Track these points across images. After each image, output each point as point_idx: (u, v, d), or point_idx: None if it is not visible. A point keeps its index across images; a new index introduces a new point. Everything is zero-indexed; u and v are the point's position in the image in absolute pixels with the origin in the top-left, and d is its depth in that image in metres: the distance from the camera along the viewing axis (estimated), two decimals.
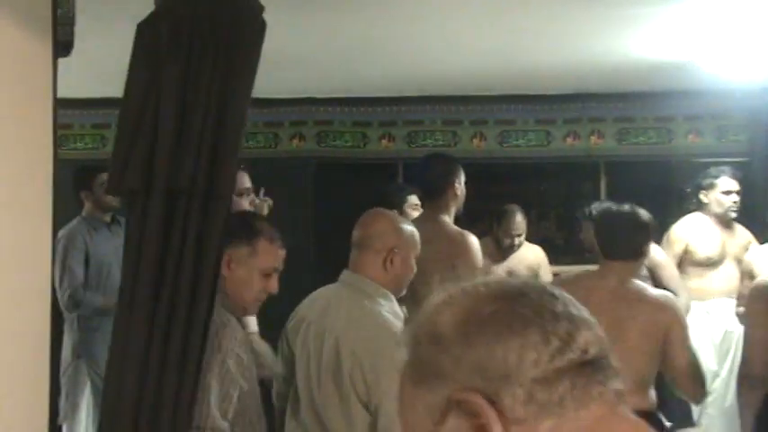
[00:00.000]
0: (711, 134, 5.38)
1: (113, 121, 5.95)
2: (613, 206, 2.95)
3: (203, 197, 1.82)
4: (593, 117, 5.44)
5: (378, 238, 2.27)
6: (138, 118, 1.83)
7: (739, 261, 4.08)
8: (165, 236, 1.80)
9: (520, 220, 4.44)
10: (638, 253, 2.79)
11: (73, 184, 4.04)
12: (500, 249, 4.47)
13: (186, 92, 1.82)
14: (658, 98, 5.28)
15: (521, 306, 0.70)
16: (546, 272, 4.59)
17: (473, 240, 3.29)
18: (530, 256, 4.53)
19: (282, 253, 2.13)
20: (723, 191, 4.24)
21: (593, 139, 5.45)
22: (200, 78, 1.82)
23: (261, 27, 1.89)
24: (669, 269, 4.03)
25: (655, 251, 4.08)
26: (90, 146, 5.74)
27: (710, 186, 4.25)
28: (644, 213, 2.83)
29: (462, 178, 3.47)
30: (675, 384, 2.80)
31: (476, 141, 5.52)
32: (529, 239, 4.66)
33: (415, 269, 2.34)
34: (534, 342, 0.68)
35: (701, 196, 4.27)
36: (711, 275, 4.22)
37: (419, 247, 2.37)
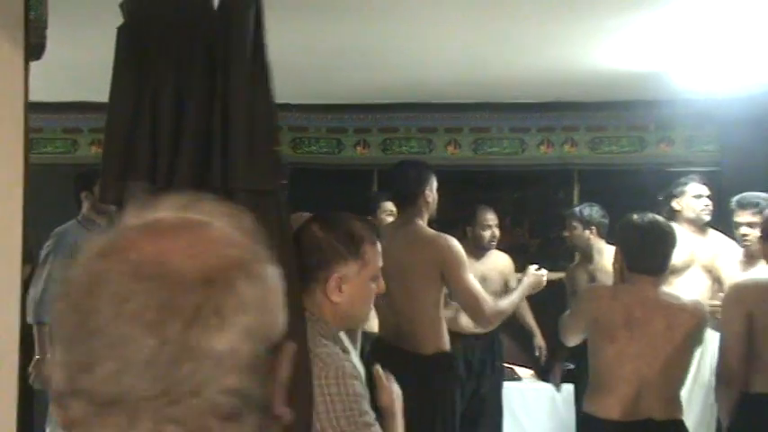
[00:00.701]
0: (682, 143, 5.45)
1: (85, 126, 5.93)
2: (636, 218, 2.88)
3: (242, 194, 1.73)
4: (567, 126, 5.49)
5: None
6: (131, 124, 1.80)
7: (709, 269, 4.13)
8: None
9: (492, 215, 4.47)
10: (666, 266, 2.84)
11: (74, 186, 4.02)
12: (473, 255, 4.49)
13: (186, 95, 1.79)
14: (631, 108, 5.34)
15: None
16: (514, 279, 4.63)
17: (456, 242, 3.31)
18: (500, 263, 4.56)
19: (380, 246, 1.89)
20: (694, 195, 4.30)
21: (567, 147, 5.50)
22: (194, 80, 1.80)
23: (255, 22, 1.86)
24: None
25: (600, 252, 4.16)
26: (60, 150, 5.67)
27: (681, 193, 4.32)
28: (667, 224, 2.89)
29: (434, 184, 3.48)
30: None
31: (450, 149, 5.54)
32: (503, 246, 4.69)
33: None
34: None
35: (674, 204, 4.33)
36: (676, 282, 4.27)
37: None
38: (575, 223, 4.66)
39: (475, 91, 5.06)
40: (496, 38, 3.69)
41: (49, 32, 1.93)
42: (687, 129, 5.40)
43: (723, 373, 2.92)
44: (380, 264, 1.87)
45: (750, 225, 3.77)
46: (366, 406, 1.74)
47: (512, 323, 4.44)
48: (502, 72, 4.43)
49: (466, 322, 3.86)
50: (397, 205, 3.66)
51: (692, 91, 4.51)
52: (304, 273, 1.79)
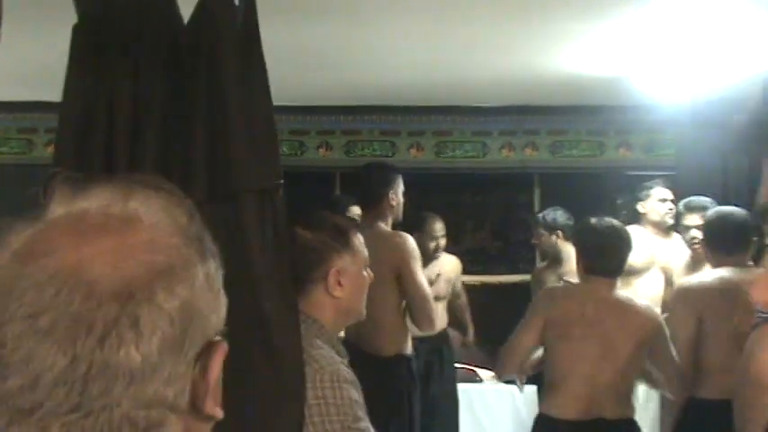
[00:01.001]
0: (641, 148, 5.54)
1: (41, 126, 5.81)
2: (595, 222, 2.95)
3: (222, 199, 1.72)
4: (528, 129, 5.53)
5: None
6: (86, 126, 1.77)
7: (667, 271, 4.20)
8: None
9: (441, 225, 4.48)
10: (621, 269, 2.90)
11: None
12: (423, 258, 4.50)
13: (147, 97, 1.77)
14: (591, 112, 5.41)
15: None
16: (460, 281, 4.66)
17: (411, 240, 3.33)
18: (448, 266, 4.57)
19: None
20: (659, 199, 4.39)
21: (528, 151, 5.55)
22: (156, 83, 1.77)
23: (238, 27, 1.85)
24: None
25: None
26: (16, 150, 5.55)
27: (647, 197, 4.41)
28: (624, 228, 2.96)
29: (401, 188, 3.49)
30: (660, 382, 2.90)
31: (413, 152, 5.55)
32: (464, 249, 4.71)
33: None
34: None
35: (639, 207, 4.42)
36: (636, 283, 4.34)
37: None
38: (541, 230, 4.69)
39: (438, 94, 5.07)
40: (459, 41, 3.71)
41: (3, 31, 1.88)
42: (645, 134, 5.48)
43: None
44: (367, 252, 1.90)
45: (699, 228, 3.84)
46: (361, 412, 1.72)
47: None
48: (465, 75, 4.45)
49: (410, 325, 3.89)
50: (362, 207, 3.66)
51: (651, 97, 4.58)
52: (298, 276, 1.77)
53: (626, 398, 2.82)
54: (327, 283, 1.79)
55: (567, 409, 2.76)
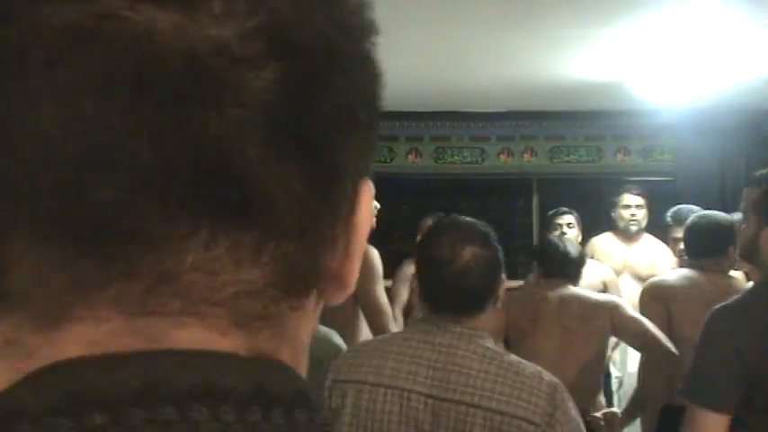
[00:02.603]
0: (639, 153, 5.54)
1: None
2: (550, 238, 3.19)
3: None
4: (527, 135, 5.54)
5: None
6: None
7: (639, 276, 4.20)
8: None
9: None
10: (577, 270, 3.01)
11: None
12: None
13: None
14: (589, 118, 5.42)
15: None
16: None
17: (372, 253, 3.20)
18: None
19: None
20: (622, 205, 4.44)
21: (527, 156, 5.55)
22: None
23: None
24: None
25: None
26: None
27: (615, 204, 4.48)
28: (572, 245, 3.10)
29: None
30: (647, 354, 2.85)
31: (411, 157, 5.55)
32: None
33: None
34: None
35: (612, 215, 4.48)
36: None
37: None
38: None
39: (436, 100, 5.08)
40: (457, 47, 3.71)
41: None
42: (643, 139, 5.49)
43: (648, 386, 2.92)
44: None
45: None
46: None
47: None
48: (463, 81, 4.46)
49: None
50: None
51: (649, 102, 4.59)
52: None
53: (590, 394, 2.84)
54: None
55: None
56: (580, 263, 3.06)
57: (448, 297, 1.65)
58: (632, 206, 4.43)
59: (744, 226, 2.02)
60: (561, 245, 3.05)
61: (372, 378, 1.62)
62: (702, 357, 1.77)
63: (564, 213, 4.49)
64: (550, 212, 4.58)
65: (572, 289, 2.98)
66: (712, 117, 5.00)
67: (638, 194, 4.48)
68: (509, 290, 3.19)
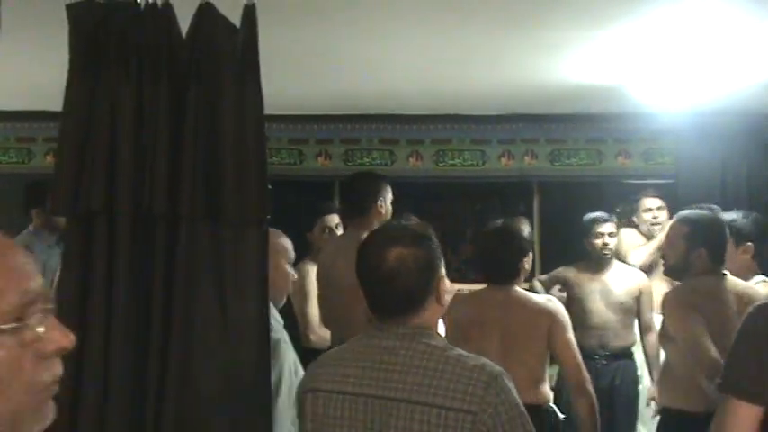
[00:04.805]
0: (639, 156, 5.54)
1: (39, 135, 5.80)
2: (489, 228, 3.25)
3: (217, 223, 1.80)
4: (527, 138, 5.54)
5: None
6: (86, 135, 1.77)
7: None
8: (165, 263, 1.78)
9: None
10: (515, 271, 3.12)
11: (25, 199, 3.91)
12: None
13: (149, 113, 1.78)
14: (589, 121, 5.42)
15: None
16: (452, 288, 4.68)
17: None
18: None
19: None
20: (644, 209, 4.53)
21: (527, 159, 5.55)
22: (157, 101, 1.78)
23: (233, 47, 1.89)
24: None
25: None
26: (15, 159, 5.55)
27: (636, 209, 4.51)
28: (514, 233, 3.19)
29: (389, 196, 3.52)
30: (567, 378, 3.09)
31: (412, 161, 5.55)
32: (463, 258, 4.70)
33: (288, 276, 2.42)
34: None
35: (634, 219, 4.53)
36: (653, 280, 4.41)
37: (288, 254, 2.46)
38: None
39: (437, 103, 5.08)
40: (458, 50, 3.71)
41: (3, 40, 1.88)
42: (644, 142, 5.49)
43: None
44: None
45: None
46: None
47: None
48: (463, 84, 4.46)
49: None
50: (349, 216, 3.68)
51: (649, 105, 4.59)
52: None
53: (533, 386, 2.98)
54: None
55: None
56: (519, 260, 3.13)
57: (383, 300, 1.72)
58: (653, 209, 4.46)
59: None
60: (501, 251, 3.11)
61: (326, 386, 1.71)
62: (739, 351, 1.79)
63: (606, 221, 4.37)
64: (589, 218, 4.46)
65: (516, 292, 3.10)
66: (713, 121, 4.99)
67: (657, 197, 4.53)
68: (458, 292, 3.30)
